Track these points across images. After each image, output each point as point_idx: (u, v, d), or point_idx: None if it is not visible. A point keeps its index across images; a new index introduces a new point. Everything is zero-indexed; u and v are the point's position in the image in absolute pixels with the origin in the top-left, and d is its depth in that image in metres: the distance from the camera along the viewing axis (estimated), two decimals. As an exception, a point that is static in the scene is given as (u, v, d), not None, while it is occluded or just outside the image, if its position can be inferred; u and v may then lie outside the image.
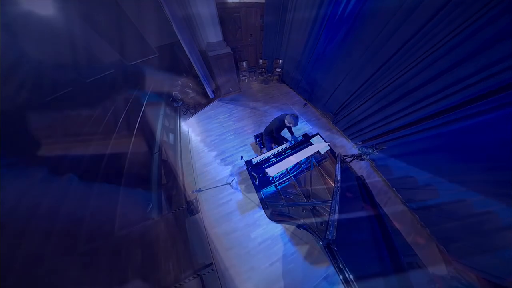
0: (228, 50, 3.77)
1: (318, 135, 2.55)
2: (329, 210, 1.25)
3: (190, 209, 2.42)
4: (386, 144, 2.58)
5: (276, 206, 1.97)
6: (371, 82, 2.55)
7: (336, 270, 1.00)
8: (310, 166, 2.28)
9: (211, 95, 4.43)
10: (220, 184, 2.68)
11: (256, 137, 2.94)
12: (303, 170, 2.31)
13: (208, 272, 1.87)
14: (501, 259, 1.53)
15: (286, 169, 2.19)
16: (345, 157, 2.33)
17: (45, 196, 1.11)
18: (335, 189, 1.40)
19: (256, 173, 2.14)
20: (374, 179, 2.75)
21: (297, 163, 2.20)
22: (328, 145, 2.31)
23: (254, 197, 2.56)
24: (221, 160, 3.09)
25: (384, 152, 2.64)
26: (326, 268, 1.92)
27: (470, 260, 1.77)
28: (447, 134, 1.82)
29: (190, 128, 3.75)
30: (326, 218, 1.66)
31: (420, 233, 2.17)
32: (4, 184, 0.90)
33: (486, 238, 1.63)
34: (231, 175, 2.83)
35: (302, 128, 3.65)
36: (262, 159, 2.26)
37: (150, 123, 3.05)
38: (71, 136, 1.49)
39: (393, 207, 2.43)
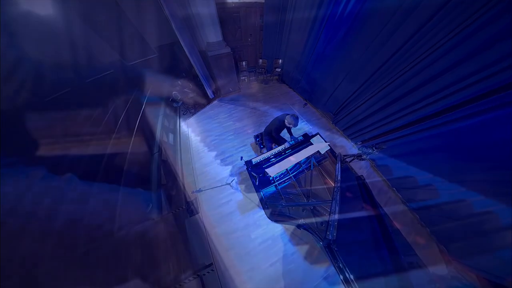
0: (227, 50, 3.77)
1: (318, 135, 2.55)
2: (329, 210, 1.25)
3: (190, 209, 2.41)
4: (386, 144, 2.58)
5: (276, 206, 1.97)
6: (371, 82, 2.55)
7: (336, 270, 1.00)
8: (310, 166, 2.28)
9: (210, 95, 4.43)
10: (220, 185, 2.68)
11: (256, 137, 2.94)
12: (303, 170, 2.31)
13: (208, 272, 1.86)
14: (501, 259, 1.53)
15: (286, 169, 2.19)
16: (345, 157, 2.33)
17: (45, 196, 1.10)
18: (335, 189, 1.40)
19: (256, 173, 2.13)
20: (374, 179, 2.75)
21: (297, 163, 2.20)
22: (328, 145, 2.31)
23: (254, 197, 2.56)
24: (221, 160, 3.08)
25: (384, 152, 2.64)
26: (326, 268, 1.92)
27: (471, 260, 1.76)
28: (447, 133, 1.82)
29: (190, 128, 3.74)
30: (326, 218, 1.65)
31: (421, 233, 2.16)
32: (3, 184, 0.90)
33: (486, 238, 1.63)
34: (231, 175, 2.83)
35: (302, 128, 3.64)
36: (262, 159, 2.26)
37: (149, 123, 3.04)
38: (71, 136, 1.49)
39: (393, 207, 2.42)
